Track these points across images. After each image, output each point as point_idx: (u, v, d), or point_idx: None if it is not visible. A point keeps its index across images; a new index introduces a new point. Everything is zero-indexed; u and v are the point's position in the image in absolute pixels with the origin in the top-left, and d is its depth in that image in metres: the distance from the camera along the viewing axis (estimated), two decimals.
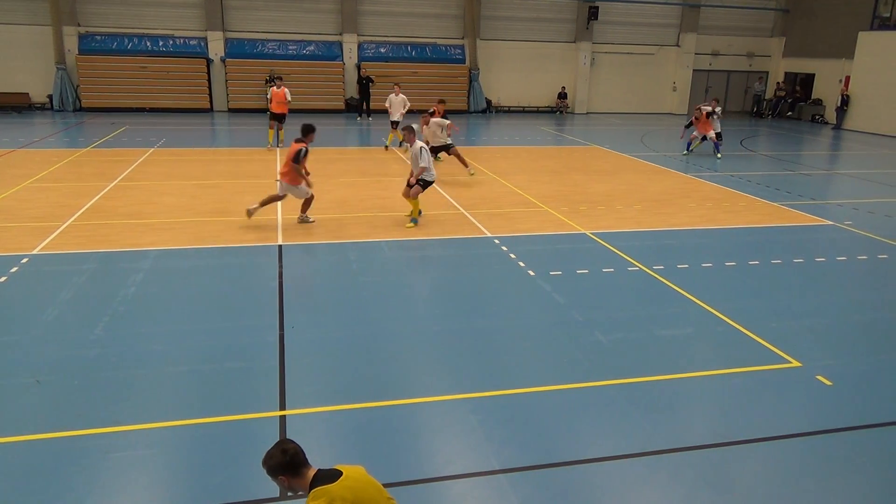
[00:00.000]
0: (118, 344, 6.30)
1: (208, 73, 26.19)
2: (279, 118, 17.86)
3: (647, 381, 5.87)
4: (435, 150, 14.78)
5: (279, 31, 26.85)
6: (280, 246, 9.44)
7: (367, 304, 7.45)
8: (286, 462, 3.12)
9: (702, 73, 32.02)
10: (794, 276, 8.86)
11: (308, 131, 10.42)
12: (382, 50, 27.73)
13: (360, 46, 27.53)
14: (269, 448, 3.20)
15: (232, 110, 26.51)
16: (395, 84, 19.85)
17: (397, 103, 18.62)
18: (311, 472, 3.16)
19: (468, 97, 28.67)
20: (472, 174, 14.66)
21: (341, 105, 27.53)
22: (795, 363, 6.25)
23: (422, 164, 10.58)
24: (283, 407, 5.31)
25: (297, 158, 10.08)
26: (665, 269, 8.77)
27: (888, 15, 26.63)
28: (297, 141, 10.24)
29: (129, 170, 14.48)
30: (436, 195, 12.83)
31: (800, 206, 12.81)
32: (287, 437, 4.84)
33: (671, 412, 5.44)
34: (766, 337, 6.78)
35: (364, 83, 25.26)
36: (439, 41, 28.37)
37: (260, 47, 26.63)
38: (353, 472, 3.18)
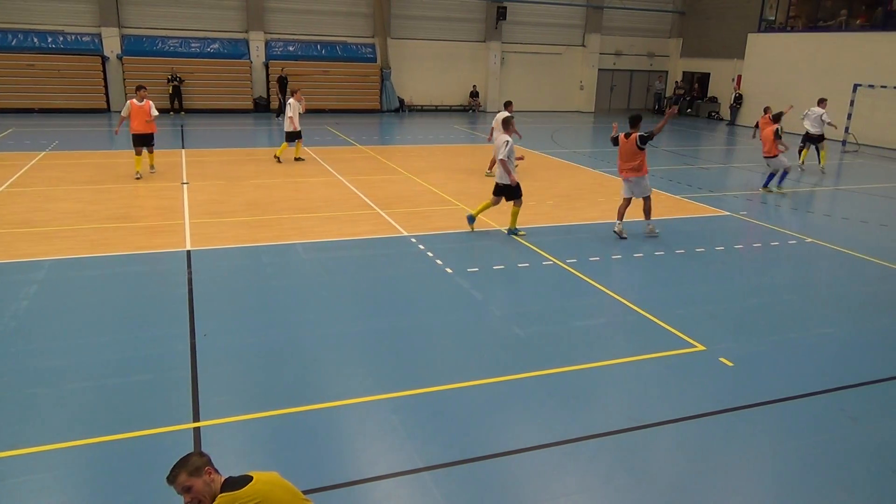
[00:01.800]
0: (12, 362, 5.85)
1: (104, 71, 24.80)
2: (145, 141, 13.56)
3: (565, 372, 6.03)
4: None
5: (180, 27, 25.79)
6: (188, 251, 9.06)
7: (283, 308, 7.27)
8: (205, 462, 3.06)
9: (607, 73, 33.24)
10: (696, 264, 9.34)
11: None
12: (291, 48, 27.16)
13: (267, 44, 26.85)
14: (178, 461, 3.09)
15: None
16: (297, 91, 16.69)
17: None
18: (220, 480, 3.09)
19: (380, 96, 28.54)
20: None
21: (250, 105, 26.77)
22: (700, 347, 6.59)
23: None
24: (196, 418, 5.09)
25: None
26: (578, 262, 9.04)
27: (773, 18, 28.54)
28: None
29: (17, 175, 13.51)
30: (350, 194, 12.70)
31: (700, 198, 13.52)
32: (202, 448, 4.65)
33: (587, 400, 5.60)
34: (672, 323, 7.11)
35: (283, 82, 24.65)
36: (349, 40, 28.08)
37: (160, 45, 25.47)
38: (263, 477, 3.12)
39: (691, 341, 6.70)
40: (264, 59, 26.77)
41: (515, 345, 6.58)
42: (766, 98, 27.31)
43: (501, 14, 29.47)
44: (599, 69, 32.72)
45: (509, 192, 10.09)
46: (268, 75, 26.78)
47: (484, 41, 30.28)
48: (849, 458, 4.89)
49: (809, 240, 10.65)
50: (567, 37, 31.94)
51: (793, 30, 27.54)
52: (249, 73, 26.55)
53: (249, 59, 26.53)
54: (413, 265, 8.89)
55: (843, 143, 22.78)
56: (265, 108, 26.80)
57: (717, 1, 31.13)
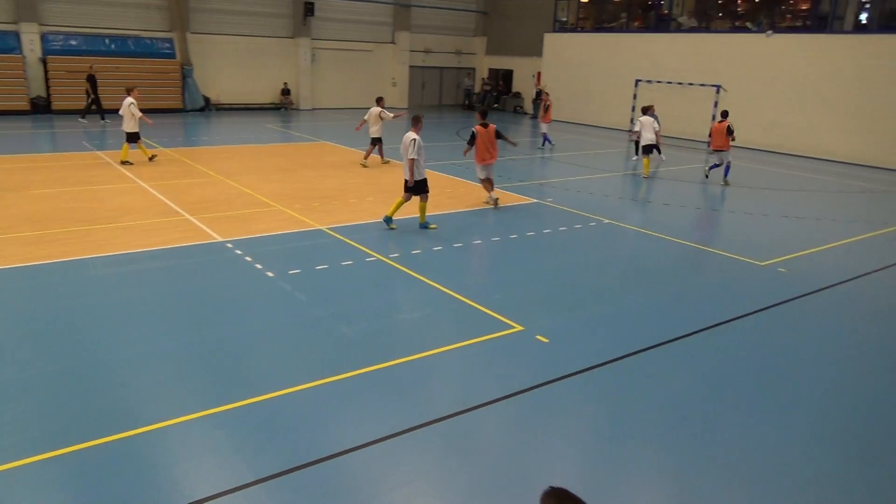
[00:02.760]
0: None
1: None
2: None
3: (394, 365, 6.06)
4: None
5: None
6: None
7: (82, 332, 6.53)
8: None
9: (417, 70, 33.99)
10: (510, 250, 9.87)
11: None
12: (74, 42, 24.43)
13: (43, 38, 23.92)
14: None
15: None
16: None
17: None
18: None
19: (183, 95, 26.69)
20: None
21: (25, 105, 23.67)
22: (518, 327, 6.97)
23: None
24: None
25: None
26: (400, 256, 9.14)
27: (566, 19, 30.97)
28: None
29: None
30: (153, 201, 11.75)
31: (510, 187, 14.31)
32: None
33: (418, 390, 5.69)
34: (493, 308, 7.45)
35: (93, 80, 22.28)
36: (143, 34, 25.91)
37: None
38: None
39: (510, 323, 7.07)
40: (41, 55, 23.82)
41: (343, 344, 6.50)
42: (563, 93, 29.68)
43: (309, 10, 28.91)
44: (410, 66, 33.36)
45: (418, 188, 10.45)
46: (46, 72, 23.88)
47: (292, 37, 29.52)
48: (648, 412, 5.46)
49: (607, 221, 11.72)
50: (377, 34, 32.16)
51: (582, 30, 30.11)
52: (23, 70, 23.48)
53: (22, 53, 23.46)
54: (230, 272, 8.44)
55: (629, 132, 25.33)
56: (45, 109, 23.89)
57: (516, 2, 33.12)
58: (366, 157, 16.65)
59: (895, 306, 8.55)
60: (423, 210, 10.66)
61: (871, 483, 4.72)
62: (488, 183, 12.46)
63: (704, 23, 26.28)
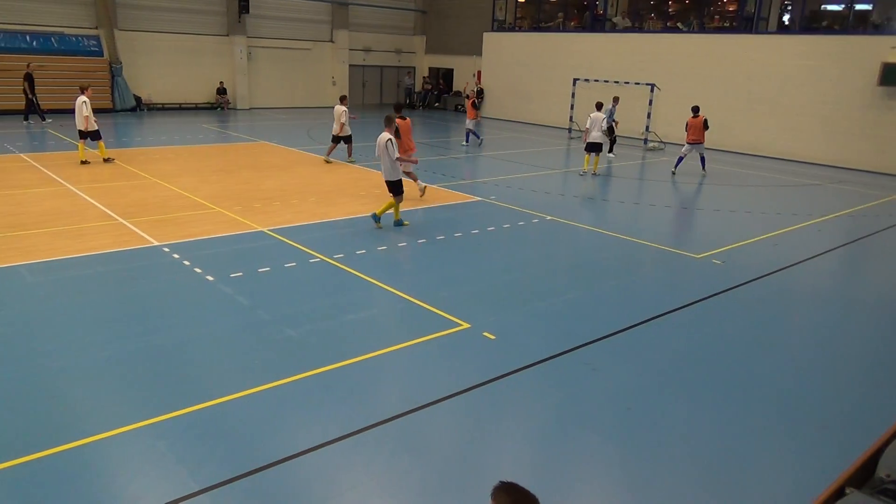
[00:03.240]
0: None
1: None
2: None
3: (342, 367, 6.00)
4: None
5: None
6: None
7: (11, 342, 6.21)
8: None
9: (357, 68, 33.70)
10: (456, 248, 9.91)
11: None
12: None
13: None
14: None
15: None
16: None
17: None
18: None
19: (112, 94, 25.69)
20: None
21: None
22: (465, 325, 7.00)
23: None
24: None
25: None
26: (345, 257, 9.05)
27: (504, 19, 31.28)
28: None
29: None
30: (84, 205, 11.28)
31: (454, 186, 14.36)
32: None
33: (366, 391, 5.65)
34: (438, 306, 7.46)
35: (31, 79, 21.30)
36: (68, 31, 24.79)
37: None
38: None
39: (457, 321, 7.10)
40: None
41: (289, 346, 6.39)
42: (502, 92, 29.98)
43: (244, 7, 28.26)
44: (350, 65, 33.05)
45: (398, 187, 10.55)
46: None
47: (227, 35, 28.81)
48: (594, 403, 5.58)
49: (549, 217, 11.91)
50: (315, 32, 31.73)
51: (520, 30, 30.48)
52: None
53: None
54: (168, 277, 8.17)
55: (570, 130, 25.80)
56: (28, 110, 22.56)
57: (455, 1, 33.25)
58: (328, 154, 16.94)
59: (825, 292, 9.01)
60: (396, 209, 10.74)
61: (811, 466, 4.95)
62: (412, 174, 12.89)
63: (638, 23, 27.03)
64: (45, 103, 22.40)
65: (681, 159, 17.08)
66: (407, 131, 13.00)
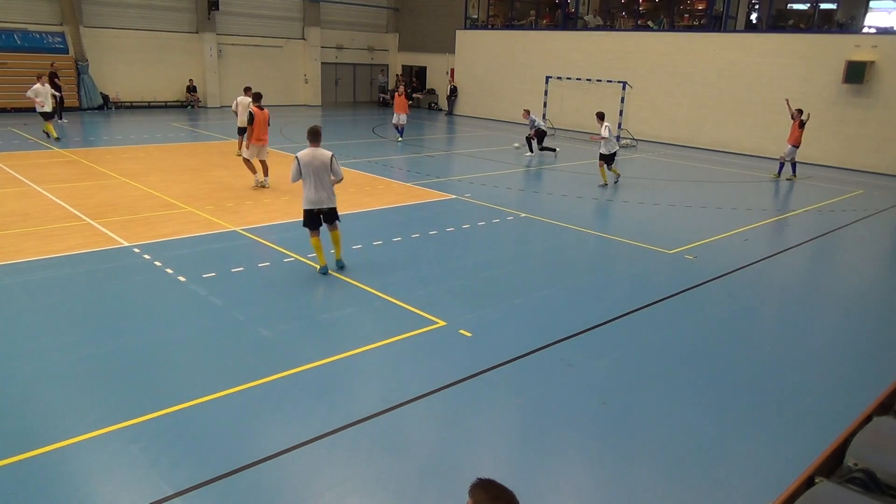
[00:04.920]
0: None
1: None
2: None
3: (318, 366, 5.96)
4: None
5: None
6: None
7: None
8: None
9: (330, 66, 33.48)
10: (431, 246, 9.90)
11: None
12: None
13: None
14: None
15: None
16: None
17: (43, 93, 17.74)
18: None
19: (79, 92, 25.16)
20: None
21: None
22: (441, 322, 7.00)
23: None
24: None
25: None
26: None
27: (476, 17, 31.31)
28: None
29: None
30: (51, 205, 11.03)
31: (429, 184, 14.35)
32: None
33: (342, 390, 5.62)
34: (414, 304, 7.45)
35: (55, 83, 20.92)
36: (31, 27, 24.21)
37: None
38: None
39: (433, 318, 7.09)
40: None
41: (263, 347, 6.33)
42: (476, 89, 30.02)
43: (214, 4, 27.87)
44: (323, 63, 32.81)
45: (333, 214, 8.45)
46: None
47: (197, 32, 28.40)
48: (570, 399, 5.62)
49: (524, 215, 11.96)
50: (286, 29, 31.43)
51: (493, 27, 30.55)
52: None
53: None
54: (139, 278, 8.03)
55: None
56: None
57: None
58: (240, 148, 16.17)
59: (795, 286, 9.19)
60: (338, 242, 8.56)
61: (783, 457, 5.04)
62: (263, 164, 13.19)
63: (609, 21, 27.27)
64: (7, 101, 21.87)
65: (787, 164, 17.16)
66: (261, 120, 12.96)
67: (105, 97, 26.08)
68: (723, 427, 5.34)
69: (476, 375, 5.93)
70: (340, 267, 8.48)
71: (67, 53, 24.83)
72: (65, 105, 22.36)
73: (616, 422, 5.32)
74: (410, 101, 24.97)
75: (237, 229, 10.14)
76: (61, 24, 24.75)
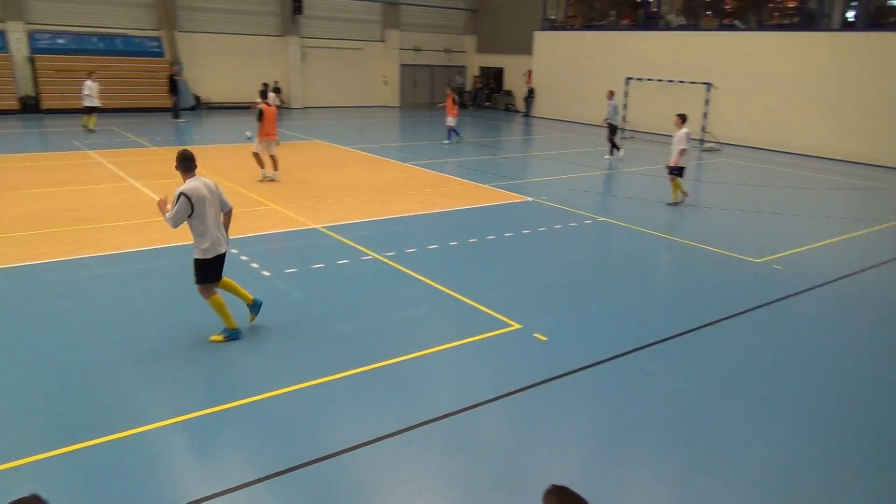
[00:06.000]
0: None
1: None
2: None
3: (392, 363, 6.06)
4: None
5: None
6: None
7: (78, 331, 6.49)
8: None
9: (408, 68, 33.93)
10: (507, 248, 9.88)
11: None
12: (61, 41, 24.24)
13: (30, 36, 23.71)
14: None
15: None
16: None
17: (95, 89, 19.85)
18: None
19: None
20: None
21: (14, 104, 23.47)
22: (516, 325, 6.98)
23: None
24: None
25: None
26: (396, 255, 9.13)
27: (555, 17, 31.02)
28: None
29: None
30: (148, 201, 11.68)
31: (504, 185, 14.32)
32: None
33: (417, 388, 5.69)
34: (490, 306, 7.46)
35: (173, 81, 23.17)
36: (131, 32, 25.72)
37: None
38: None
39: (508, 321, 7.08)
40: (28, 53, 23.62)
41: (341, 342, 6.49)
42: (555, 91, 29.69)
43: (297, 8, 28.79)
44: (401, 64, 33.31)
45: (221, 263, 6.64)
46: (34, 70, 23.69)
47: (282, 35, 29.40)
48: (647, 409, 5.48)
49: (602, 218, 11.76)
50: (367, 32, 32.08)
51: (572, 28, 30.16)
52: (11, 69, 23.28)
53: (9, 52, 23.25)
54: (227, 271, 8.36)
55: (622, 130, 25.39)
56: (35, 109, 23.71)
57: (506, 0, 33.12)
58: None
59: (892, 303, 8.63)
60: (236, 284, 6.80)
61: (877, 486, 4.75)
62: (257, 157, 13.77)
63: (693, 21, 26.41)
64: (108, 102, 23.28)
65: None
66: (271, 116, 13.75)
67: (196, 98, 27.36)
68: (810, 449, 5.08)
69: (551, 380, 5.88)
70: (259, 305, 6.77)
71: (163, 57, 26.20)
72: (170, 106, 24.11)
73: (695, 435, 5.16)
74: (462, 104, 24.76)
75: (318, 227, 10.43)
76: (158, 30, 26.16)
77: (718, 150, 21.90)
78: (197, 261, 6.26)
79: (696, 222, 12.34)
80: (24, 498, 2.48)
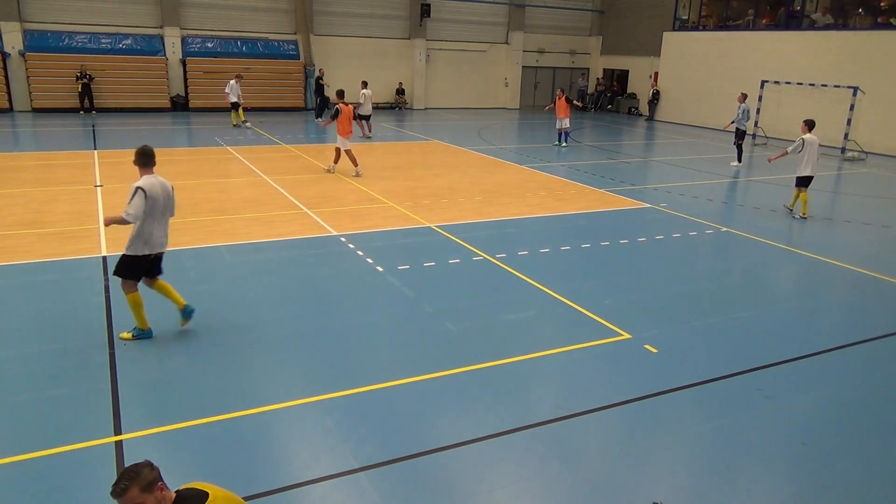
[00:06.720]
0: None
1: (5, 69, 23.30)
2: None
3: (497, 365, 6.09)
4: None
5: (88, 22, 24.52)
6: (104, 257, 8.64)
7: (208, 314, 7.03)
8: (156, 477, 2.72)
9: (530, 70, 33.79)
10: (620, 255, 9.63)
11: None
12: (210, 45, 26.30)
13: (184, 41, 25.91)
14: (125, 471, 2.72)
15: (37, 110, 23.82)
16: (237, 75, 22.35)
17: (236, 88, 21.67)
18: (171, 496, 2.79)
19: (305, 94, 28.02)
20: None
21: (167, 103, 25.75)
22: (626, 335, 6.80)
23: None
24: (118, 431, 4.86)
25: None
26: (507, 257, 9.16)
27: (686, 18, 29.75)
28: None
29: None
30: (276, 194, 12.43)
31: (622, 191, 13.95)
32: (126, 463, 4.44)
33: (520, 392, 5.69)
34: (599, 313, 7.31)
35: (319, 84, 24.90)
36: (271, 36, 27.45)
37: (67, 40, 24.14)
38: (220, 493, 2.88)
39: (618, 330, 6.91)
40: (181, 56, 25.82)
41: (448, 340, 6.61)
42: (682, 94, 28.48)
43: (426, 11, 29.50)
44: (523, 66, 33.23)
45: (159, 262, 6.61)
46: (185, 72, 25.88)
47: (409, 38, 30.23)
48: (765, 434, 5.17)
49: (725, 229, 11.17)
50: (491, 34, 32.29)
51: (705, 29, 28.79)
52: (165, 71, 25.55)
53: (165, 55, 25.53)
54: (343, 264, 8.79)
55: (753, 136, 23.98)
56: (184, 107, 25.88)
57: (634, 1, 32.17)
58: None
59: None
60: (170, 287, 6.62)
61: None
62: (349, 153, 14.61)
63: (841, 19, 24.40)
64: (249, 102, 24.98)
65: None
66: (347, 115, 14.89)
67: (326, 98, 28.70)
68: None
69: (660, 394, 5.69)
70: (191, 312, 6.58)
71: (299, 59, 27.74)
72: (313, 107, 25.79)
73: (817, 466, 4.80)
74: (576, 104, 23.91)
75: (431, 225, 10.66)
76: (295, 33, 27.72)
77: (863, 159, 20.12)
78: (126, 256, 6.21)
79: (832, 237, 11.43)
80: (137, 464, 2.78)
